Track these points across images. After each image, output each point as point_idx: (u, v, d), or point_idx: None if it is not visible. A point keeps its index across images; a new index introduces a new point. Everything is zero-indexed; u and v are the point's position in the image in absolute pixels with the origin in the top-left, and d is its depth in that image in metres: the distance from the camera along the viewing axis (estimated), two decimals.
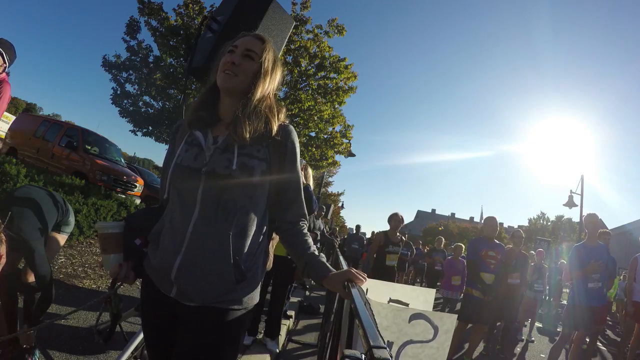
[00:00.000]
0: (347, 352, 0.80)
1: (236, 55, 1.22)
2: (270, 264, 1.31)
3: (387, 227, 5.81)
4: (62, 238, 2.59)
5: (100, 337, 1.34)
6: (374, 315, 1.18)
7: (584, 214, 4.69)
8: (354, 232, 12.11)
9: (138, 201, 9.76)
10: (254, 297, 1.22)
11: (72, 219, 2.64)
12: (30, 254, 2.18)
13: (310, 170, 3.73)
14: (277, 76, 1.29)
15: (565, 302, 6.23)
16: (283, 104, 1.32)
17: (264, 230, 1.25)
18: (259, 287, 1.25)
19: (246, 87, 1.22)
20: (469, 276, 4.70)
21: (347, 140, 11.73)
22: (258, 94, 1.22)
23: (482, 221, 5.19)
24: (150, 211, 1.35)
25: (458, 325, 4.44)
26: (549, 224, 51.08)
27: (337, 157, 12.50)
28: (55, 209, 2.47)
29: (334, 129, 11.39)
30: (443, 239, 10.31)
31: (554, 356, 4.54)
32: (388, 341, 1.53)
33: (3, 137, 12.78)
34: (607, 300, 6.12)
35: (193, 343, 1.14)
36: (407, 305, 1.81)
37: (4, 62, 2.64)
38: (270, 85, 1.27)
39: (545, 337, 7.79)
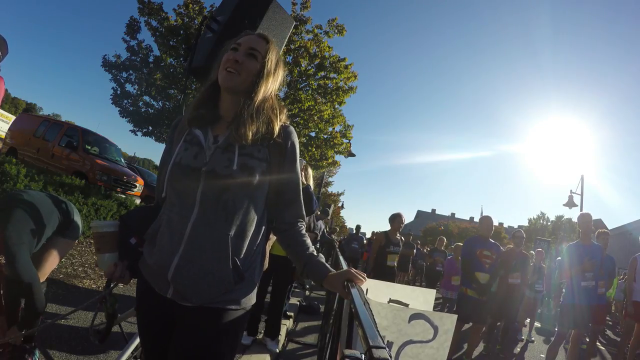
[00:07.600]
0: (347, 352, 0.80)
1: (239, 54, 1.20)
2: (266, 264, 1.31)
3: (387, 227, 5.83)
4: (66, 243, 2.51)
5: (96, 338, 1.32)
6: (373, 315, 1.18)
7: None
8: (354, 232, 12.12)
9: (138, 201, 9.76)
10: (252, 298, 1.21)
11: (77, 224, 2.54)
12: (11, 258, 2.07)
13: (310, 171, 3.72)
14: (279, 77, 1.28)
15: None
16: (283, 104, 1.30)
17: (262, 231, 1.24)
18: (256, 287, 1.24)
19: (248, 86, 1.21)
20: (464, 276, 4.73)
21: (347, 140, 11.72)
22: (260, 94, 1.21)
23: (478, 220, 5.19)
24: (146, 210, 1.34)
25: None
26: (549, 224, 51.09)
27: (337, 157, 12.49)
28: (55, 212, 2.38)
29: (334, 129, 11.38)
30: (445, 239, 10.26)
31: (550, 356, 4.54)
32: (388, 341, 1.52)
33: (3, 137, 12.78)
34: (607, 300, 6.11)
35: (190, 343, 1.13)
36: (407, 305, 1.80)
37: None
38: (273, 85, 1.26)
39: (545, 337, 7.78)
